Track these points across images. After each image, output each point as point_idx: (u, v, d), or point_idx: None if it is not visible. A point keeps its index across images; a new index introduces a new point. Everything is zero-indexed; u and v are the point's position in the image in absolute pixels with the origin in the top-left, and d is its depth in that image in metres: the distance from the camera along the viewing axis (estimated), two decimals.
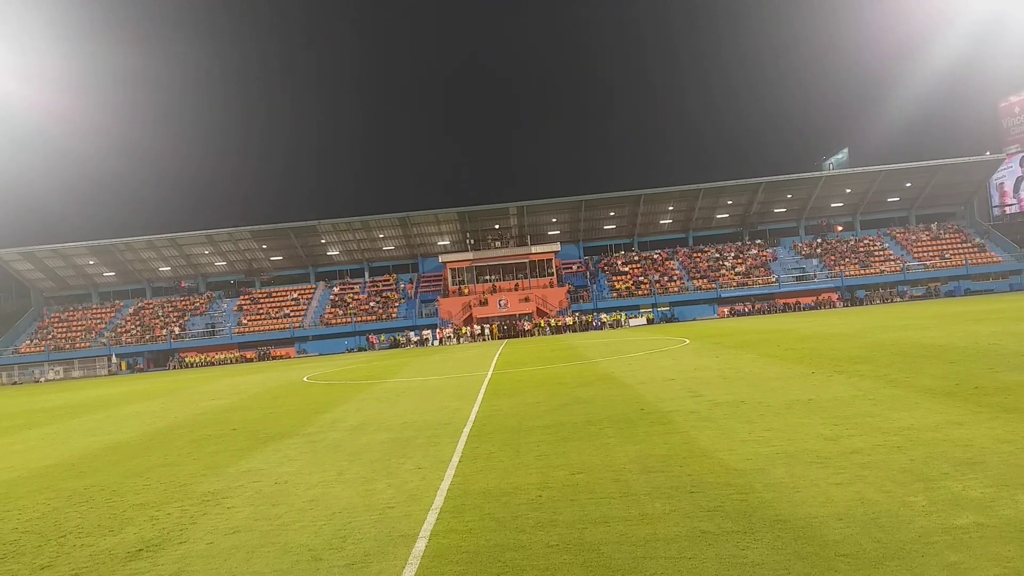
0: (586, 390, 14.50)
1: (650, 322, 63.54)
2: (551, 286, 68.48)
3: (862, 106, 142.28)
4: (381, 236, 74.22)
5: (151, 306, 73.48)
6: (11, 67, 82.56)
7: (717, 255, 72.94)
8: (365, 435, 11.25)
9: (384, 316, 68.16)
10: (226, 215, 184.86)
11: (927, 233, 72.61)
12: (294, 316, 69.28)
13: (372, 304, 70.35)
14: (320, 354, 63.03)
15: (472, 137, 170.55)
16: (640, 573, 4.55)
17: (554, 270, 69.73)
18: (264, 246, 74.14)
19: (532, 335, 60.37)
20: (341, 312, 69.12)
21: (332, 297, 72.61)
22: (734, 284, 67.76)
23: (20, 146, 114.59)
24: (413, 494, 7.10)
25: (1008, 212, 78.57)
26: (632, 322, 63.57)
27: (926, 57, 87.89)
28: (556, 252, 70.30)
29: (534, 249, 69.41)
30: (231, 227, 71.71)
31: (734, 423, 9.32)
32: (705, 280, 68.71)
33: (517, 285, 68.66)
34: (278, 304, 72.01)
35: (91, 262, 74.10)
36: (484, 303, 66.46)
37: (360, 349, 63.76)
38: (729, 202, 73.31)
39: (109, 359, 64.96)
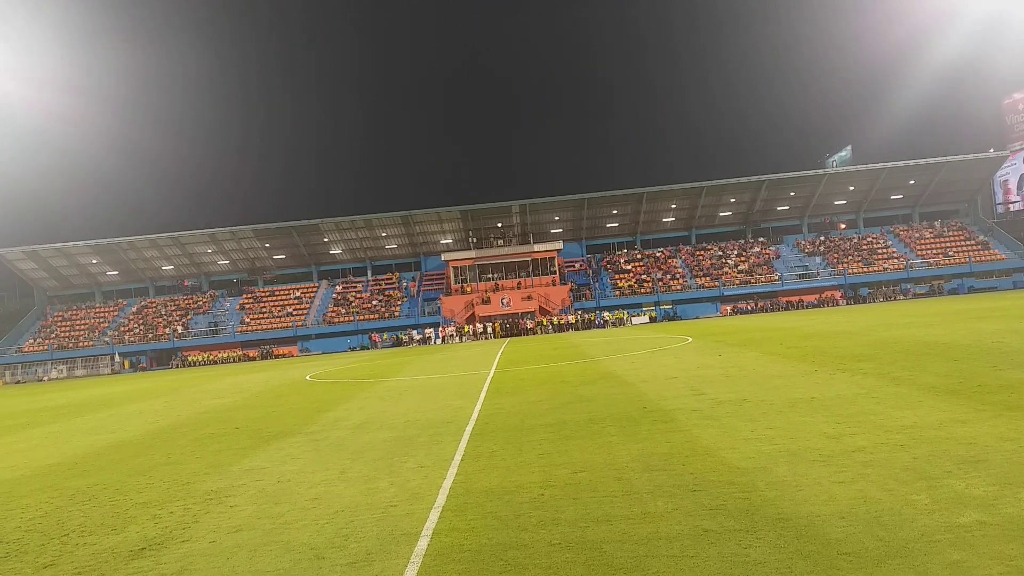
0: (588, 388, 14.50)
1: (653, 320, 63.49)
2: (553, 284, 68.47)
3: (865, 104, 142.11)
4: (384, 235, 74.25)
5: (154, 305, 73.61)
6: (13, 68, 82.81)
7: (720, 253, 72.86)
8: (368, 434, 11.26)
9: (387, 315, 68.22)
10: (226, 215, 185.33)
11: (930, 231, 72.45)
12: (297, 315, 69.37)
13: (375, 303, 70.41)
14: (323, 352, 63.11)
15: (472, 137, 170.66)
16: (642, 571, 4.54)
17: (556, 268, 69.71)
18: (267, 245, 74.23)
19: (534, 333, 60.38)
20: (344, 311, 69.18)
21: (335, 296, 72.68)
22: (737, 282, 67.69)
23: (22, 146, 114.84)
24: (415, 492, 7.11)
25: (1012, 209, 78.39)
26: (635, 320, 63.55)
27: (929, 54, 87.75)
28: (559, 250, 70.27)
29: (537, 247, 69.39)
30: (234, 226, 71.83)
31: (737, 421, 9.32)
32: (708, 278, 68.63)
33: (520, 283, 68.67)
34: (281, 303, 72.09)
35: (94, 261, 74.26)
36: (487, 301, 66.47)
37: (363, 348, 63.82)
38: (732, 200, 73.21)
39: (112, 358, 65.11)
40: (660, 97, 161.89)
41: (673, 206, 73.94)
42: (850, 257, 69.47)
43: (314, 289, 74.29)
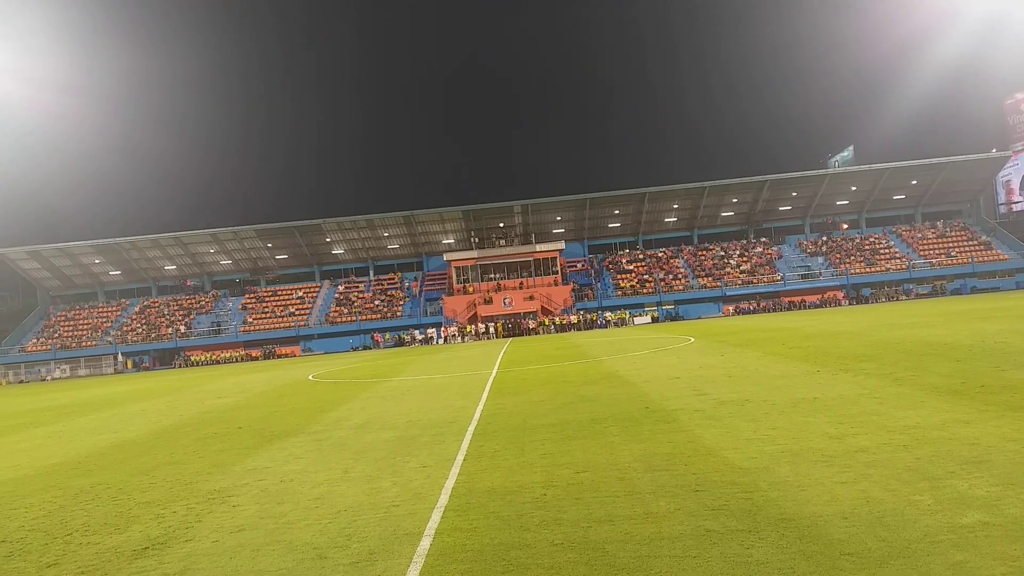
0: (591, 388, 14.49)
1: (655, 320, 63.46)
2: (556, 284, 68.48)
3: (867, 104, 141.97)
4: (386, 235, 74.29)
5: (157, 305, 73.72)
6: (13, 68, 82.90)
7: (722, 253, 72.82)
8: (370, 433, 11.26)
9: (389, 314, 68.25)
10: (227, 215, 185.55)
11: (933, 231, 72.35)
12: (299, 315, 69.43)
13: (377, 302, 70.45)
14: (325, 352, 63.16)
15: (472, 137, 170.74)
16: (645, 571, 4.55)
17: (559, 268, 69.71)
18: (269, 245, 74.31)
19: (537, 333, 60.38)
20: (346, 311, 69.23)
21: (337, 296, 72.74)
22: (739, 282, 67.64)
23: (23, 146, 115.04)
24: (418, 492, 7.11)
25: (1015, 210, 78.21)
26: (637, 320, 63.51)
27: (931, 54, 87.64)
28: (561, 250, 70.27)
29: (539, 247, 69.39)
30: (236, 226, 71.92)
31: (739, 421, 9.31)
32: (710, 278, 68.59)
33: (522, 283, 68.68)
34: (283, 303, 72.17)
35: (97, 261, 74.38)
36: (489, 301, 66.49)
37: (365, 348, 63.86)
38: (734, 200, 73.17)
39: (115, 358, 65.21)
40: (660, 97, 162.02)
41: (675, 206, 73.90)
42: (852, 257, 69.39)
43: (316, 289, 74.35)
